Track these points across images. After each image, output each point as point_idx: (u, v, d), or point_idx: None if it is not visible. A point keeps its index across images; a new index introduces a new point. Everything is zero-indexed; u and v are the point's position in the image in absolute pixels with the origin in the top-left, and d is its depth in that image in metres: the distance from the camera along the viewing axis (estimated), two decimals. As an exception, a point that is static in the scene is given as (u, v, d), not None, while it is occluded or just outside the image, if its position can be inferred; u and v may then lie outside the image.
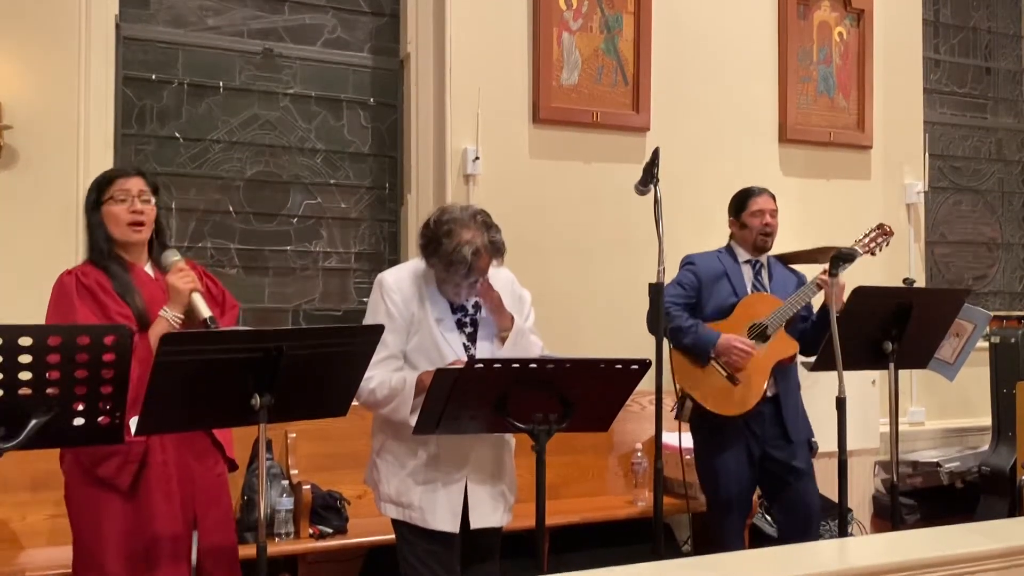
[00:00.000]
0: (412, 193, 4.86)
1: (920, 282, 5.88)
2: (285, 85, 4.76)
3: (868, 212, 5.49)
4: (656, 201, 3.47)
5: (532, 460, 2.77)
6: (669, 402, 3.80)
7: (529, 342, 3.03)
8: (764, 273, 4.01)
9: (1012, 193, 6.78)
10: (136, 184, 2.93)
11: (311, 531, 3.91)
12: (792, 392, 3.93)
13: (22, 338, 2.19)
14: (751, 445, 3.87)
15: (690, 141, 5.17)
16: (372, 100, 4.94)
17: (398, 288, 2.95)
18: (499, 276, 3.03)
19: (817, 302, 3.95)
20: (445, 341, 2.92)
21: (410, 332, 2.94)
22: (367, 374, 2.74)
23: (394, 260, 4.76)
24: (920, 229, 6.11)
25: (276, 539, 3.81)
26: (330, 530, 3.94)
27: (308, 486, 3.90)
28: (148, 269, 2.97)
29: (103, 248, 2.90)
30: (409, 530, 2.95)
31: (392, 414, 2.89)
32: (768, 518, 4.55)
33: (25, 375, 2.21)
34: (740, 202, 4.02)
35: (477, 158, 4.68)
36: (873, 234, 4.00)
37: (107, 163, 4.14)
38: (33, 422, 2.24)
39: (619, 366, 2.77)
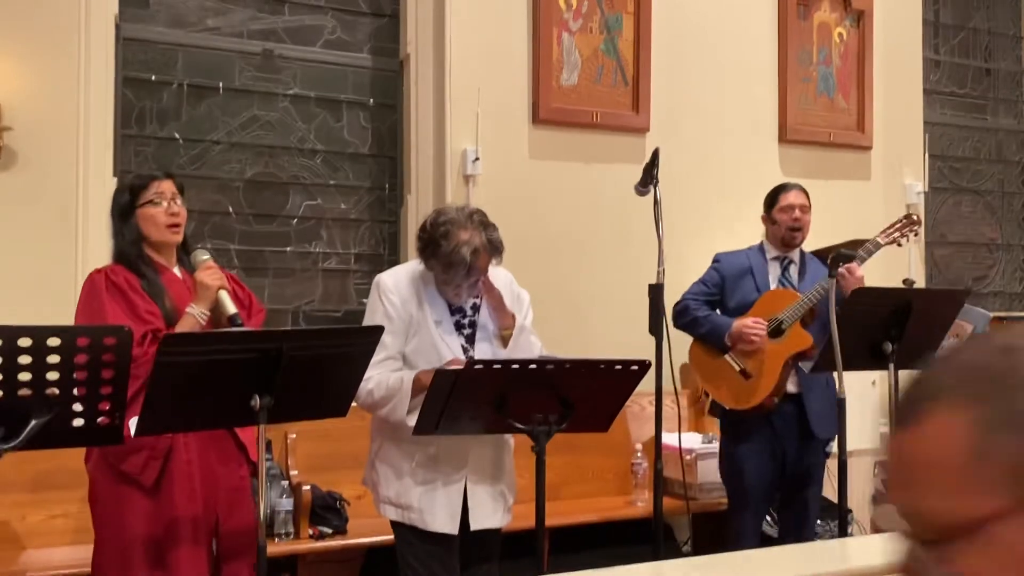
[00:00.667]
0: (412, 194, 4.85)
1: (920, 283, 5.86)
2: (285, 86, 4.75)
3: (868, 212, 5.49)
4: (656, 202, 3.47)
5: (532, 461, 2.77)
6: (669, 402, 3.81)
7: (529, 342, 3.03)
8: (793, 269, 3.98)
9: (1012, 194, 6.77)
10: (169, 187, 2.97)
11: (311, 531, 3.91)
12: (817, 389, 3.86)
13: (22, 339, 2.20)
14: (774, 442, 3.86)
15: (690, 142, 5.16)
16: (372, 101, 4.93)
17: (396, 290, 2.95)
18: (498, 276, 3.02)
19: None
20: (444, 343, 2.92)
21: (409, 334, 2.93)
22: (366, 375, 2.75)
23: (394, 261, 4.75)
24: (920, 230, 6.10)
25: (276, 539, 3.81)
26: (330, 530, 3.94)
27: (308, 487, 3.90)
28: (177, 271, 3.00)
29: (133, 251, 2.92)
30: (408, 531, 2.95)
31: (390, 415, 2.88)
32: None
33: (25, 376, 2.22)
34: (772, 197, 4.01)
35: (477, 159, 4.68)
36: (899, 224, 4.00)
37: (107, 164, 4.14)
38: (33, 422, 2.25)
39: (619, 367, 2.78)
